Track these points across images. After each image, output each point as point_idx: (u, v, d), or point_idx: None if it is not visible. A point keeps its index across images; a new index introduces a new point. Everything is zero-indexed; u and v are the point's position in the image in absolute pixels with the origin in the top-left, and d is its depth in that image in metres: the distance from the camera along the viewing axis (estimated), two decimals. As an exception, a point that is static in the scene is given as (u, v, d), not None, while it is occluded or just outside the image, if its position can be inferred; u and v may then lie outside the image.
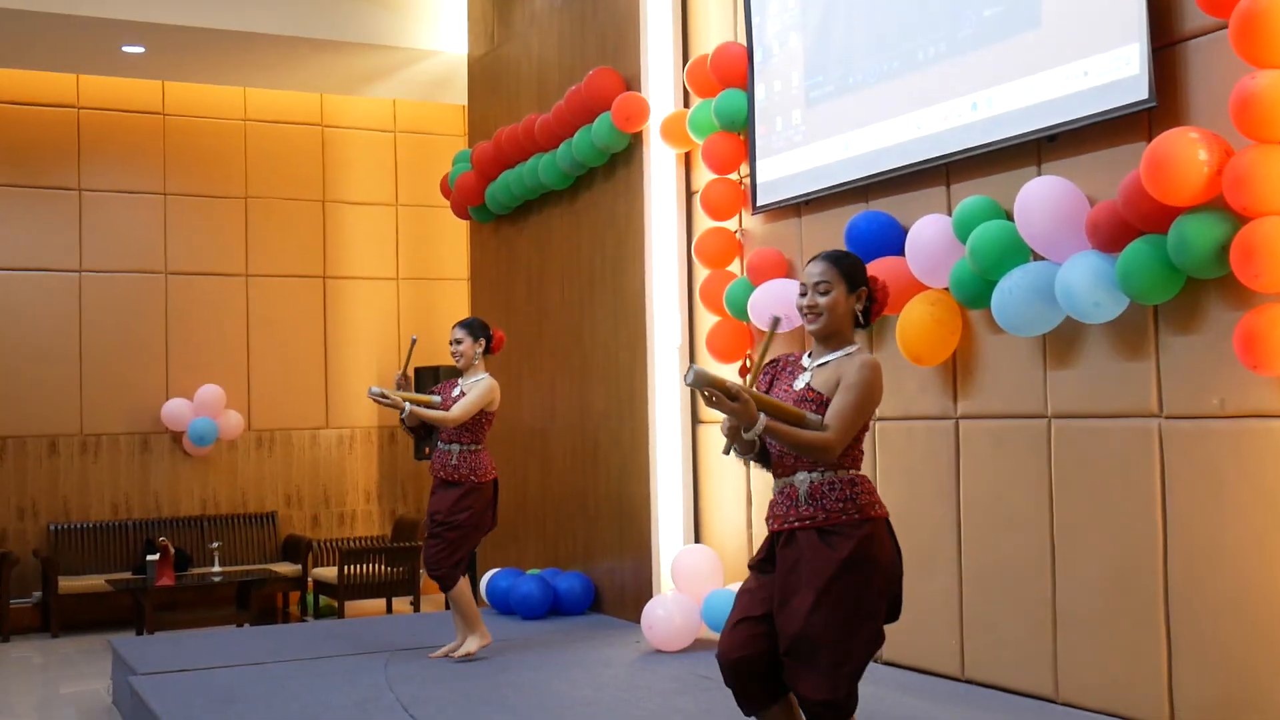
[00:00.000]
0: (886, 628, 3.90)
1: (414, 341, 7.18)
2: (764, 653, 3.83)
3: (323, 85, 11.85)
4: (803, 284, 3.95)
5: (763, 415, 3.67)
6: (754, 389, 3.77)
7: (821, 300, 3.90)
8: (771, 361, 4.10)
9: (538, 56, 9.44)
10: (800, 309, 3.96)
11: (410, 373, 7.11)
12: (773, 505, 3.93)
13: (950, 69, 5.86)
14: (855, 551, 3.73)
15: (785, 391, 3.93)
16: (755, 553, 4.00)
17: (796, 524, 3.81)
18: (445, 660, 6.83)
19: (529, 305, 9.51)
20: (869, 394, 3.80)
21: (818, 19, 6.68)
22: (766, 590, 3.87)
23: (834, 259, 3.95)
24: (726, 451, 3.83)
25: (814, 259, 3.99)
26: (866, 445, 6.27)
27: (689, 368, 3.63)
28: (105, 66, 10.94)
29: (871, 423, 6.29)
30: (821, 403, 3.81)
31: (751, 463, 4.01)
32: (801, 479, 3.83)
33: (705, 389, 3.63)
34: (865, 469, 6.23)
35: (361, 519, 12.16)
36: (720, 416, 3.77)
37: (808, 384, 3.88)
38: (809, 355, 3.99)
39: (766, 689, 3.88)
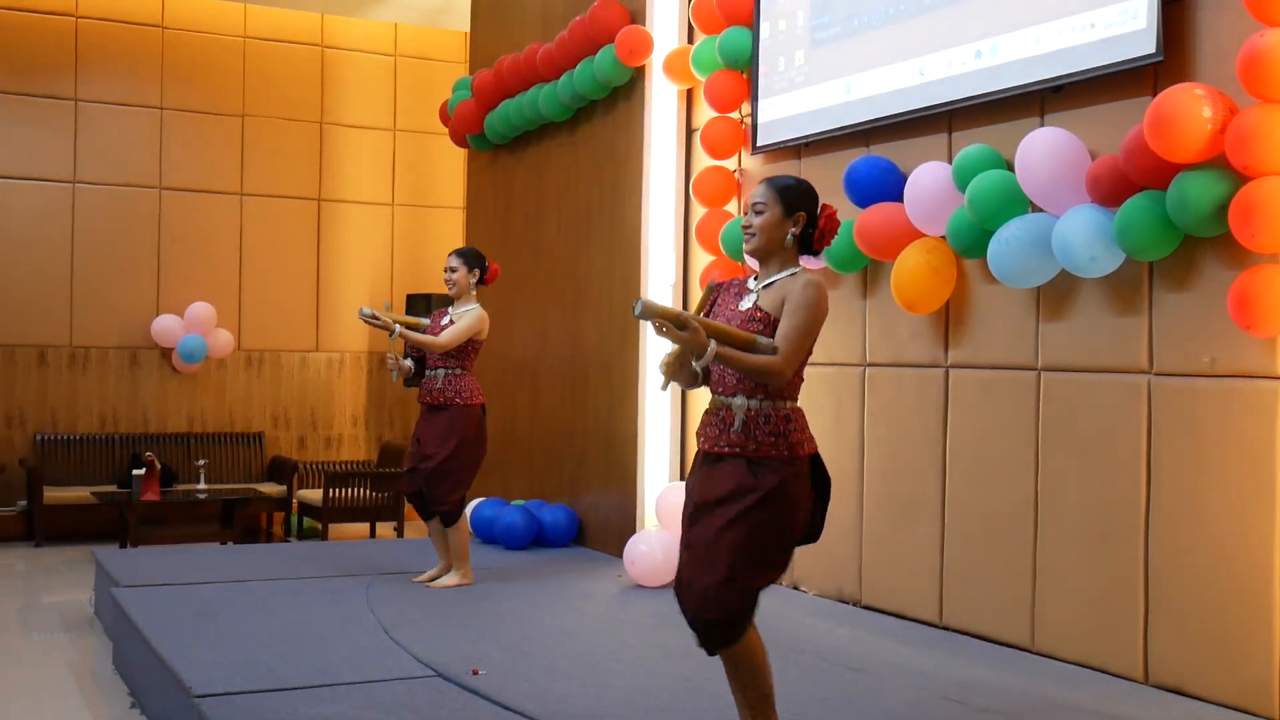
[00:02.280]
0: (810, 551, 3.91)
1: (387, 306, 7.06)
2: None
3: (324, 5, 11.74)
4: (746, 205, 4.02)
5: (713, 342, 3.69)
6: (701, 316, 3.80)
7: (755, 220, 3.95)
8: (716, 284, 4.11)
9: (543, -15, 9.36)
10: (742, 229, 4.02)
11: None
12: (704, 425, 3.96)
13: (956, 15, 5.81)
14: (778, 487, 3.77)
15: (731, 312, 3.95)
16: (690, 472, 4.03)
17: (727, 449, 3.84)
18: (425, 587, 6.86)
19: (524, 236, 9.48)
20: (815, 313, 3.81)
21: (827, -41, 6.62)
22: None
23: (774, 181, 4.00)
24: (664, 388, 3.87)
25: (761, 181, 4.04)
26: (855, 389, 6.35)
27: (636, 300, 3.64)
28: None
29: (864, 369, 6.32)
30: (769, 322, 3.83)
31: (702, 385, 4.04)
32: (739, 404, 3.84)
33: (654, 319, 3.64)
34: (853, 412, 6.31)
35: (348, 443, 12.18)
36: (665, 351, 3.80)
37: (755, 304, 3.90)
38: (754, 279, 4.01)
39: None
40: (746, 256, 4.08)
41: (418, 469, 6.86)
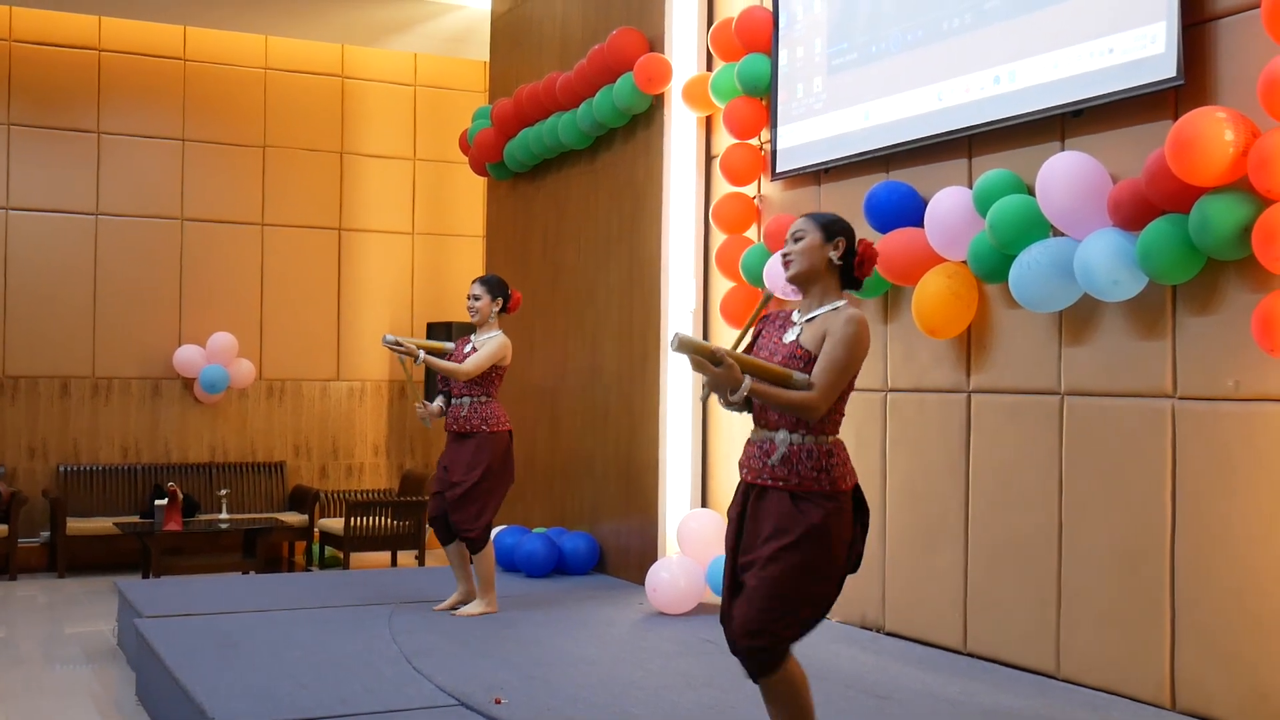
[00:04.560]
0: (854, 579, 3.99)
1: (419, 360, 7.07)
2: None
3: (344, 36, 11.81)
4: (785, 239, 4.05)
5: (748, 378, 3.72)
6: (738, 351, 3.84)
7: (795, 247, 3.99)
8: (765, 315, 4.17)
9: (561, 14, 9.40)
10: (781, 259, 4.05)
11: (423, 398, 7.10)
12: (747, 456, 4.00)
13: (974, 41, 5.82)
14: (823, 522, 3.80)
15: (776, 344, 3.98)
16: (733, 501, 4.07)
17: (770, 482, 3.88)
18: (448, 614, 6.86)
19: (544, 264, 9.50)
20: (854, 350, 3.83)
21: (845, -15, 6.63)
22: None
23: (812, 214, 4.06)
24: (705, 398, 3.90)
25: (798, 218, 4.09)
26: (877, 414, 6.33)
27: (674, 334, 3.68)
28: (127, 8, 10.91)
29: (885, 395, 6.31)
30: (808, 359, 3.86)
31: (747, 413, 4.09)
32: (781, 438, 3.87)
33: (690, 354, 3.69)
34: (874, 438, 6.29)
35: (369, 472, 12.19)
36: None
37: (796, 339, 3.92)
38: (798, 311, 4.04)
39: None
40: (788, 286, 4.11)
41: (443, 495, 6.88)
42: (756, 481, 3.92)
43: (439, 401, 7.01)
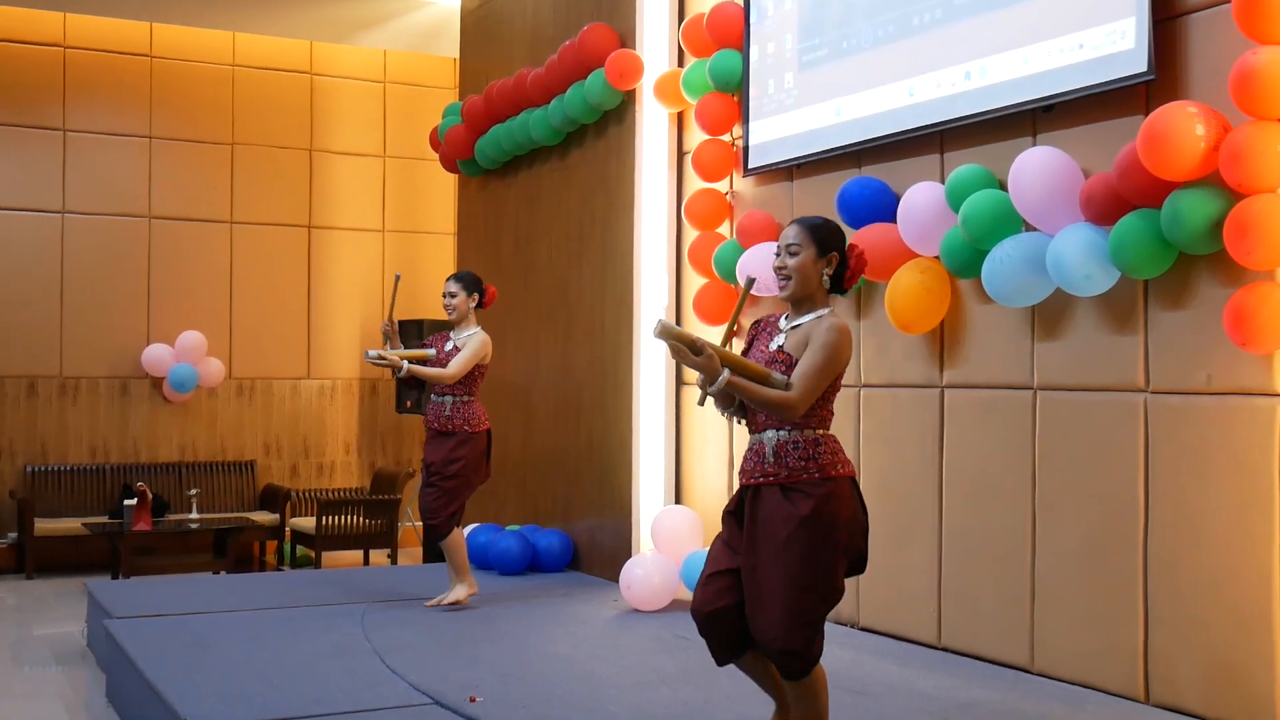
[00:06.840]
0: (863, 584, 3.96)
1: (398, 279, 7.10)
2: (734, 604, 4.00)
3: (313, 33, 11.74)
4: (777, 247, 4.07)
5: (726, 370, 3.77)
6: (723, 346, 3.89)
7: (790, 262, 4.01)
8: (755, 322, 4.23)
9: (532, 10, 9.37)
10: (775, 271, 4.08)
11: (394, 320, 7.07)
12: (744, 460, 4.06)
13: (944, 37, 5.82)
14: (815, 509, 3.84)
15: (761, 352, 4.04)
16: (729, 502, 4.13)
17: (762, 480, 3.95)
18: (423, 611, 6.86)
19: (516, 261, 9.47)
20: (834, 356, 3.88)
21: (816, -19, 6.63)
22: (737, 541, 4.03)
23: (806, 222, 4.07)
24: (701, 402, 3.94)
25: (791, 223, 4.10)
26: (850, 410, 6.33)
27: (657, 320, 3.71)
28: (93, 4, 10.82)
29: (859, 391, 6.31)
30: (791, 364, 3.92)
31: (736, 420, 4.16)
32: (770, 437, 3.95)
33: (671, 341, 3.74)
34: (848, 434, 6.29)
35: (340, 470, 12.14)
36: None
37: (780, 346, 3.99)
38: (785, 318, 4.08)
39: (738, 638, 4.05)
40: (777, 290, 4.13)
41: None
42: (751, 482, 3.98)
43: (405, 362, 6.83)
